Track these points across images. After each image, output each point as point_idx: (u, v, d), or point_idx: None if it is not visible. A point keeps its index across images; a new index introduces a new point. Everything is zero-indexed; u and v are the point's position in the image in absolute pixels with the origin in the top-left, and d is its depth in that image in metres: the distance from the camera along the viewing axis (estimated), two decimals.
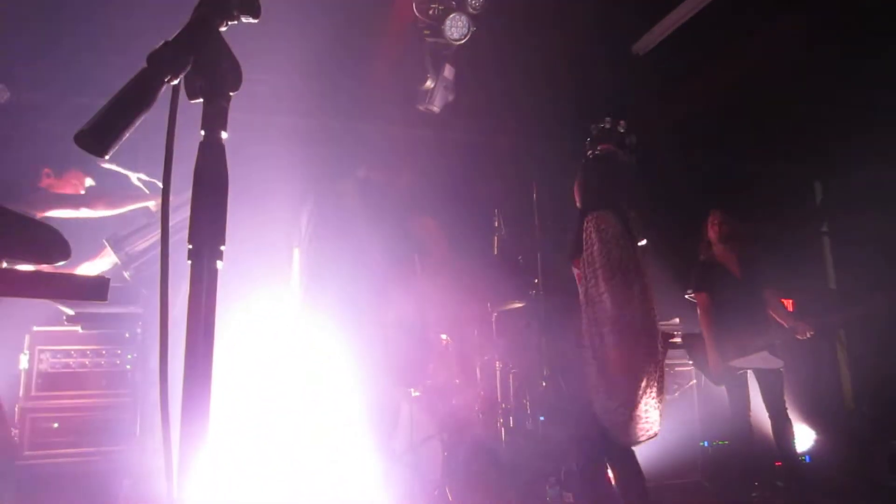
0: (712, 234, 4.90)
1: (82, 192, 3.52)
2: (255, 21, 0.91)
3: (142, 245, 3.53)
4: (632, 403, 3.03)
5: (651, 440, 3.12)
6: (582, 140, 3.70)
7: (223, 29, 0.90)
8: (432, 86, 5.10)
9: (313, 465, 3.51)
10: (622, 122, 3.61)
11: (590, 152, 3.61)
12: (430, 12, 4.81)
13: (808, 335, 4.57)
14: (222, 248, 0.86)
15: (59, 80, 5.13)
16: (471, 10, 4.64)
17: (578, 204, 3.52)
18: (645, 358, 3.08)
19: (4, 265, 0.87)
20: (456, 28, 4.73)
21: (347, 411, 3.27)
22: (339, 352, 3.28)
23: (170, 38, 0.86)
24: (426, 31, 4.92)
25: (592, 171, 3.53)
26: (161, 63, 0.85)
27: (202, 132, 0.88)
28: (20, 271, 0.90)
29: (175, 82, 0.86)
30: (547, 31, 5.65)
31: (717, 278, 4.78)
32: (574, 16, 5.45)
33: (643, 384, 3.05)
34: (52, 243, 0.95)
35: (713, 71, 6.13)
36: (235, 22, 0.91)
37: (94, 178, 3.76)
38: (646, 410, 3.08)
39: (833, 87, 6.03)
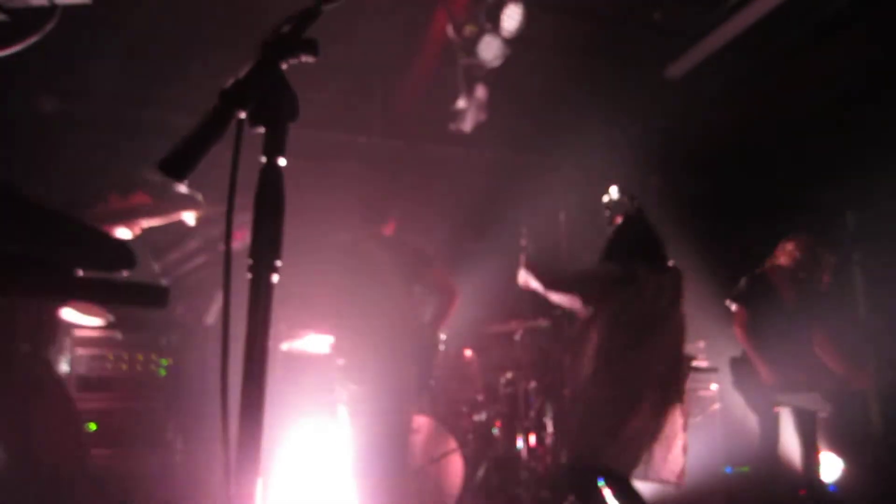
0: (784, 256, 4.73)
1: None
2: (314, 60, 1.01)
3: (178, 255, 3.65)
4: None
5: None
6: (611, 160, 3.88)
7: (285, 67, 1.01)
8: (464, 106, 5.20)
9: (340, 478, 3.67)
10: (621, 193, 3.87)
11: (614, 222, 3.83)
12: (465, 34, 4.91)
13: (864, 387, 4.52)
14: (278, 263, 0.96)
15: (102, 91, 5.32)
16: (504, 33, 4.73)
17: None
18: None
19: (80, 274, 0.97)
20: (490, 50, 4.83)
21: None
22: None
23: (239, 76, 0.97)
24: (460, 53, 5.03)
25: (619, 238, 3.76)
26: (233, 99, 0.97)
27: (263, 158, 0.98)
28: (95, 279, 0.99)
29: (242, 115, 0.97)
30: (580, 55, 5.73)
31: (763, 298, 4.63)
32: (607, 39, 5.53)
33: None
34: (120, 253, 1.05)
35: (747, 96, 6.16)
36: (296, 61, 1.01)
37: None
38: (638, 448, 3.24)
39: (869, 115, 6.01)
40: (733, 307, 4.71)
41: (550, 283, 3.70)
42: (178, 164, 0.91)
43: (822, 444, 4.59)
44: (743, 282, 4.77)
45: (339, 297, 3.82)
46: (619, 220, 3.79)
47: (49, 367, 3.08)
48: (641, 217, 3.76)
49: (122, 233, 3.47)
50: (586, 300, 3.61)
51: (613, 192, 3.90)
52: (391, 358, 3.55)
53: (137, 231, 3.49)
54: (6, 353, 2.91)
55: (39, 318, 3.10)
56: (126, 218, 3.37)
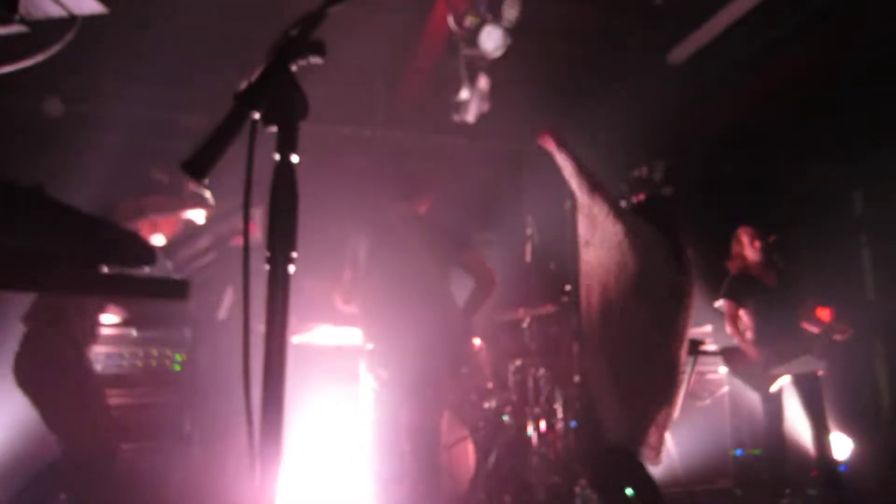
0: (749, 250, 4.89)
1: (180, 227, 3.69)
2: (322, 61, 1.06)
3: (189, 252, 3.71)
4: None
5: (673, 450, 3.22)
6: (614, 148, 3.78)
7: (294, 69, 1.06)
8: (467, 97, 5.22)
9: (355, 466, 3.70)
10: (661, 168, 3.69)
11: (630, 202, 3.71)
12: (466, 24, 4.92)
13: (847, 333, 4.59)
14: (294, 254, 1.01)
15: (109, 93, 5.37)
16: (506, 23, 4.75)
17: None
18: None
19: (105, 270, 1.02)
20: (491, 40, 4.84)
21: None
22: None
23: (251, 79, 1.02)
24: (462, 43, 5.05)
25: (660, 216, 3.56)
26: (247, 101, 1.03)
27: (276, 155, 1.03)
28: (118, 275, 1.05)
29: (256, 116, 1.03)
30: (582, 42, 5.75)
31: (749, 290, 4.80)
32: (609, 26, 5.54)
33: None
34: (141, 250, 1.10)
35: (751, 80, 6.15)
36: (305, 62, 1.06)
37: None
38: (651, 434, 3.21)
39: (875, 95, 6.00)
40: (721, 304, 4.86)
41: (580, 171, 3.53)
42: (199, 165, 0.97)
43: (831, 418, 4.65)
44: (726, 282, 4.94)
45: (371, 278, 3.59)
46: (641, 198, 3.66)
47: (83, 360, 3.22)
48: (664, 203, 3.62)
49: (159, 239, 3.57)
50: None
51: (648, 169, 3.73)
52: (423, 343, 3.36)
53: (148, 231, 3.57)
54: (58, 354, 3.07)
55: (85, 322, 3.24)
56: (136, 219, 3.45)
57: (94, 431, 3.13)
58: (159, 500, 3.82)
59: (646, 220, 3.43)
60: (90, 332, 3.32)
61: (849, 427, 5.86)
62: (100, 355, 3.98)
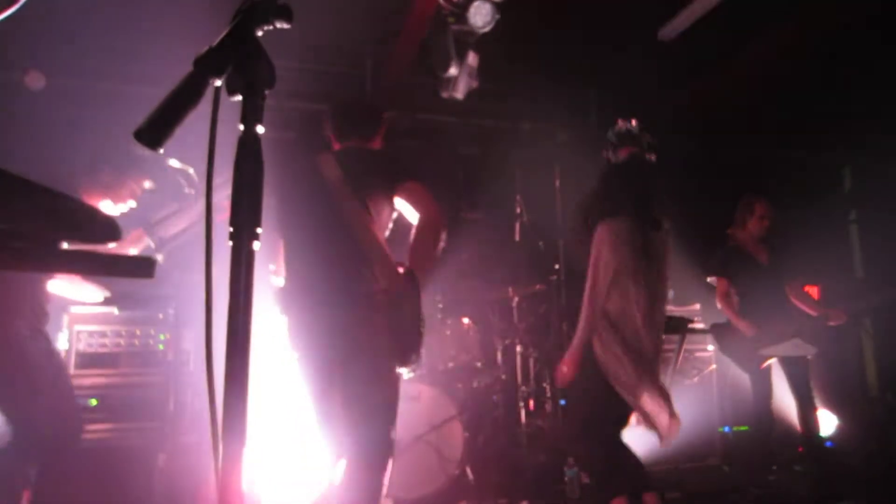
0: (753, 224, 4.86)
1: (138, 195, 3.60)
2: (289, 26, 1.00)
3: (174, 229, 3.66)
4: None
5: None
6: (605, 126, 3.67)
7: (259, 33, 1.00)
8: (456, 73, 5.15)
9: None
10: (636, 124, 3.51)
11: (611, 158, 3.52)
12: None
13: (842, 320, 4.59)
14: (259, 230, 0.96)
15: (91, 67, 5.28)
16: None
17: (589, 211, 3.38)
18: (627, 377, 3.15)
19: (65, 246, 0.98)
20: (480, 15, 4.77)
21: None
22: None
23: (213, 44, 0.96)
24: (450, 19, 4.97)
25: (615, 177, 3.42)
26: (207, 66, 0.97)
27: (240, 126, 0.98)
28: (78, 251, 1.00)
29: (218, 83, 0.97)
30: (572, 18, 5.67)
31: (741, 266, 4.79)
32: (599, 2, 5.47)
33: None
34: (105, 226, 1.06)
35: (741, 57, 6.11)
36: (271, 27, 1.01)
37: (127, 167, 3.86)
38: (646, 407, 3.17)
39: (866, 72, 5.98)
40: (712, 280, 4.85)
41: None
42: (153, 133, 0.91)
43: (817, 395, 4.67)
44: (719, 255, 4.91)
45: (284, 232, 2.86)
46: (625, 154, 3.47)
47: (40, 341, 3.13)
48: (647, 162, 3.44)
49: (108, 206, 3.49)
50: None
51: (629, 124, 3.51)
52: (344, 313, 2.55)
53: (125, 203, 3.51)
54: (6, 331, 2.97)
55: (35, 297, 3.15)
56: (115, 191, 3.39)
57: (55, 415, 3.04)
58: (144, 480, 3.80)
59: (623, 180, 3.36)
60: (42, 308, 3.21)
61: (835, 403, 5.91)
62: (81, 334, 3.93)
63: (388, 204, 2.75)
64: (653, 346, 3.25)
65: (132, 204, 3.53)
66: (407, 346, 2.50)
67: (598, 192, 3.40)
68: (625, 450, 3.23)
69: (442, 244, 2.70)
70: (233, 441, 0.90)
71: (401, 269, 2.60)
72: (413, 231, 2.70)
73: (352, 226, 2.59)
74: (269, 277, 2.94)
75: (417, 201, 2.72)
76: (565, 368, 3.24)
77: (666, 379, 3.36)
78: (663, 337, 3.39)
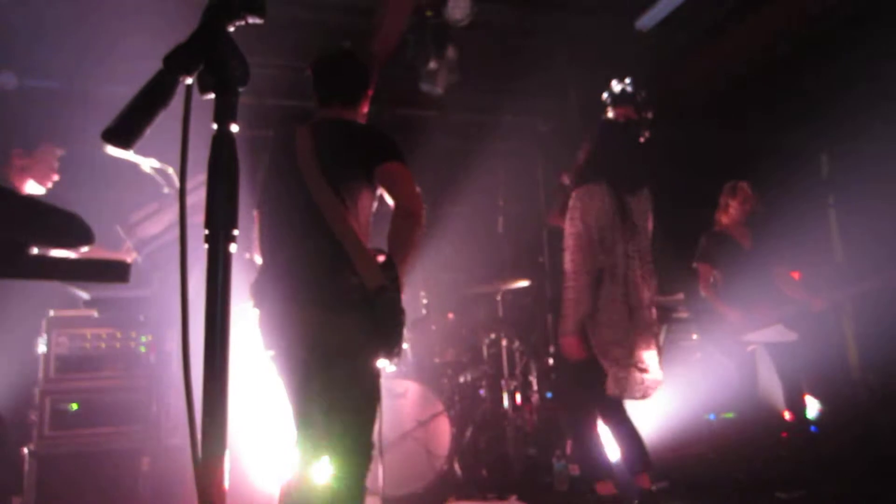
0: (736, 208, 4.87)
1: (56, 165, 3.59)
2: (261, 20, 0.97)
3: (153, 230, 3.62)
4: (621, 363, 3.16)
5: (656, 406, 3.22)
6: (585, 117, 3.63)
7: (231, 29, 0.97)
8: (435, 67, 5.14)
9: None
10: (633, 85, 3.49)
11: (607, 116, 3.47)
12: None
13: (824, 306, 4.63)
14: (235, 232, 0.94)
15: (64, 68, 5.20)
16: None
17: (574, 170, 3.42)
18: (614, 344, 3.17)
19: (35, 251, 0.95)
20: (458, 9, 4.76)
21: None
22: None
23: (183, 41, 0.93)
24: (429, 13, 4.95)
25: (606, 137, 3.40)
26: (176, 64, 0.93)
27: (214, 125, 0.95)
28: (50, 257, 0.97)
29: (189, 81, 0.94)
30: (550, 9, 5.67)
31: (725, 251, 4.80)
32: None
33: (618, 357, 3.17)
34: (77, 229, 1.02)
35: (718, 44, 6.13)
36: (242, 22, 0.98)
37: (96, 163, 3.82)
38: (640, 369, 3.19)
39: (840, 57, 6.02)
40: (696, 266, 4.86)
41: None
42: (122, 134, 0.89)
43: (803, 382, 4.71)
44: (702, 241, 4.93)
45: (262, 219, 2.69)
46: (618, 115, 3.40)
47: None
48: (637, 123, 3.40)
49: (33, 186, 3.46)
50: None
51: (623, 83, 3.43)
52: (321, 311, 2.42)
53: (49, 179, 3.48)
54: None
55: None
56: (33, 169, 3.37)
57: None
58: (128, 484, 3.75)
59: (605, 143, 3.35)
60: None
61: (818, 389, 5.95)
62: (61, 338, 3.87)
63: (368, 187, 2.57)
64: (648, 300, 3.28)
65: (55, 177, 3.52)
66: (388, 341, 2.36)
67: (582, 158, 3.42)
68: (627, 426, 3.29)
69: (422, 232, 2.52)
70: (213, 443, 0.88)
71: (380, 258, 2.45)
72: (391, 218, 2.51)
73: (326, 216, 2.43)
74: (247, 262, 2.79)
75: (394, 186, 2.53)
76: (573, 340, 3.24)
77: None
78: (656, 298, 3.43)
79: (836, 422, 5.83)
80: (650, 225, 3.43)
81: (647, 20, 5.70)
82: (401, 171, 2.54)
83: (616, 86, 3.50)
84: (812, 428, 5.62)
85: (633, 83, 3.46)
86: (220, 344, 0.88)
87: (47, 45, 4.91)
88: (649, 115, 3.45)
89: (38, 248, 0.95)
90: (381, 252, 2.49)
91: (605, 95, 3.52)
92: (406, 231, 2.47)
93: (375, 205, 2.66)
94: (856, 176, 7.25)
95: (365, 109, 2.88)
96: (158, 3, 4.30)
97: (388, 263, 2.41)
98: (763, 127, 7.30)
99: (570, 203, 3.26)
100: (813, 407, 5.85)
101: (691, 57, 6.28)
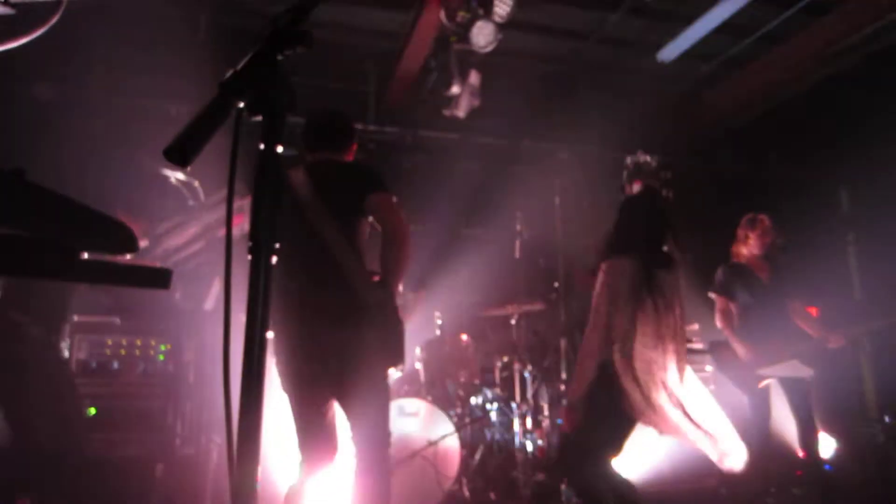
0: (755, 240, 4.83)
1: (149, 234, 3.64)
2: (308, 50, 1.04)
3: (178, 240, 3.70)
4: None
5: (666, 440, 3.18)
6: (603, 143, 3.67)
7: (280, 58, 1.04)
8: (458, 91, 5.22)
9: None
10: (654, 158, 3.54)
11: (627, 190, 3.52)
12: (458, 19, 4.91)
13: (841, 342, 4.59)
14: (277, 245, 1.00)
15: (97, 80, 5.34)
16: (497, 18, 4.74)
17: (606, 245, 3.44)
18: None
19: (86, 256, 1.01)
20: (482, 35, 4.84)
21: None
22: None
23: (238, 68, 1.01)
24: (453, 38, 5.05)
25: (625, 212, 3.39)
26: (231, 89, 1.02)
27: (261, 145, 1.02)
28: (98, 261, 1.03)
29: (241, 105, 1.01)
30: (572, 39, 5.76)
31: (743, 283, 4.77)
32: (601, 24, 5.55)
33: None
34: (125, 238, 1.09)
35: (739, 78, 6.19)
36: (291, 52, 1.05)
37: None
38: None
39: (861, 93, 6.05)
40: (713, 296, 4.86)
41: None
42: (182, 152, 0.96)
43: (817, 418, 4.66)
44: (720, 272, 4.90)
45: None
46: (639, 187, 3.43)
47: (56, 351, 3.17)
48: (659, 196, 3.41)
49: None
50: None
51: (639, 156, 3.50)
52: (332, 332, 2.69)
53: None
54: (19, 333, 3.00)
55: (53, 304, 3.19)
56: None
57: (63, 424, 3.06)
58: (141, 491, 3.79)
59: (632, 216, 3.37)
60: (63, 318, 3.26)
61: (834, 426, 5.90)
62: (82, 343, 3.95)
63: (362, 216, 2.86)
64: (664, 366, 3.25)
65: (144, 243, 3.57)
66: (394, 351, 2.73)
67: (612, 228, 3.41)
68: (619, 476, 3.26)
69: (408, 256, 2.82)
70: (247, 452, 0.92)
71: (375, 279, 2.78)
72: (382, 247, 2.81)
73: (330, 246, 2.73)
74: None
75: (381, 216, 2.83)
76: (570, 414, 3.23)
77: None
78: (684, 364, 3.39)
79: (852, 460, 5.77)
80: (680, 297, 3.39)
81: (669, 52, 5.77)
82: (387, 201, 2.85)
83: (633, 159, 3.57)
84: (826, 466, 5.56)
85: (646, 153, 3.53)
86: (258, 353, 0.93)
87: (79, 57, 5.04)
88: (669, 193, 3.49)
89: (88, 253, 1.02)
90: (374, 273, 2.82)
91: (624, 173, 3.59)
92: (395, 254, 2.79)
93: (368, 230, 2.94)
94: (876, 212, 7.23)
95: (350, 158, 3.16)
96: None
97: (383, 282, 2.76)
98: (783, 161, 7.33)
99: (600, 274, 3.26)
100: (828, 445, 5.79)
101: (711, 89, 6.34)
